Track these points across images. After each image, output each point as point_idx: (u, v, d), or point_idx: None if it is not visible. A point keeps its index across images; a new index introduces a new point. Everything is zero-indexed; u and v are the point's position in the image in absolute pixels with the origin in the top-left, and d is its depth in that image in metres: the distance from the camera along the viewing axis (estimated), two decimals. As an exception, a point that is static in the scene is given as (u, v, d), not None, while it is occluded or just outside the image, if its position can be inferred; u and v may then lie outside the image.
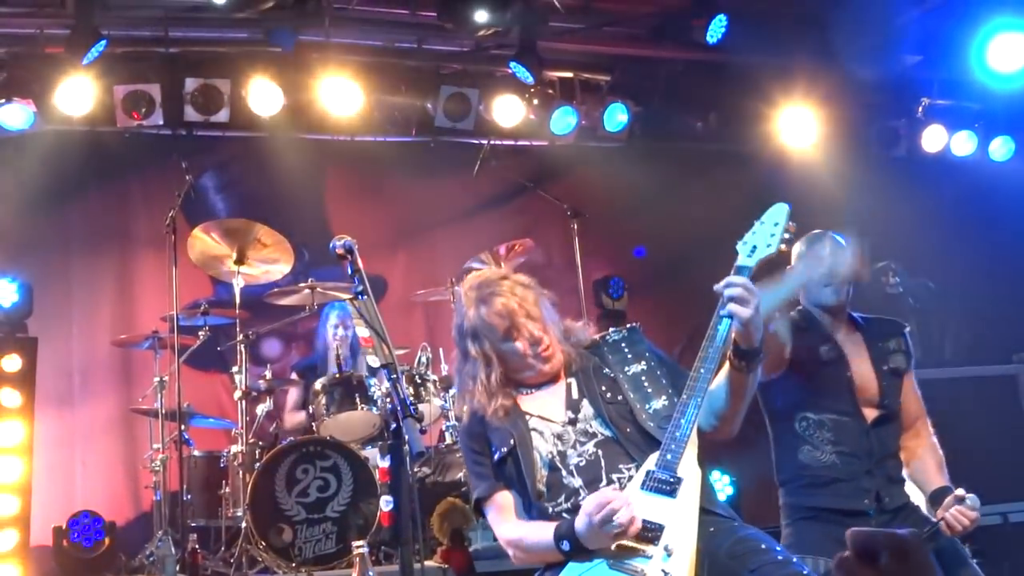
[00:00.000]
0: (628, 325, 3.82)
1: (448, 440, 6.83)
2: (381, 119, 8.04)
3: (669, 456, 3.27)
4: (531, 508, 3.50)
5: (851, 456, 4.41)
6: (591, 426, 3.53)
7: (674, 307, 8.48)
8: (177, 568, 5.82)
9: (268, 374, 6.82)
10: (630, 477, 3.35)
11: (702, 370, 3.31)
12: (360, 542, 3.09)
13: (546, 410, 3.60)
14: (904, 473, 4.63)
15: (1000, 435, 7.51)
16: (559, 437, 3.53)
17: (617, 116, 8.40)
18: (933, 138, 9.08)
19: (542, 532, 3.36)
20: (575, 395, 3.63)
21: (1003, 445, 7.49)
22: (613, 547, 3.18)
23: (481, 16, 6.94)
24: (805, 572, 3.12)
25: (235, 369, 6.63)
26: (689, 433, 3.27)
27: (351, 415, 6.31)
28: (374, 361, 3.23)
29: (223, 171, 8.19)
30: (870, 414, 4.51)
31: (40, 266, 7.32)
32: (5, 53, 7.12)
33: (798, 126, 8.75)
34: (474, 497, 3.65)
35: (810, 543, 4.30)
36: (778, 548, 3.24)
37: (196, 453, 6.69)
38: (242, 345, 6.61)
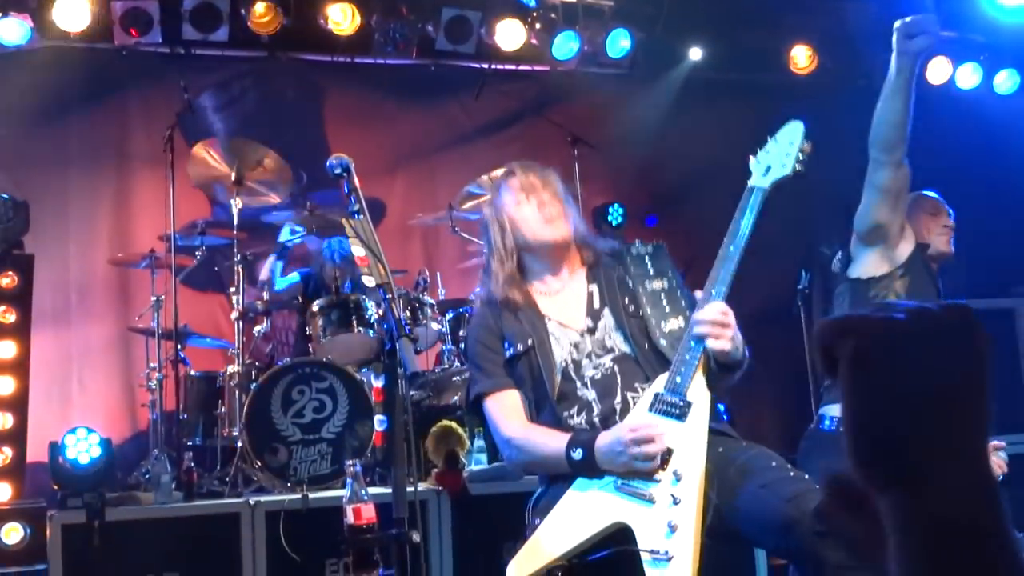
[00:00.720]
0: (655, 242, 3.76)
1: (445, 364, 6.84)
2: (381, 41, 7.95)
3: (679, 379, 3.23)
4: (541, 412, 3.48)
5: None
6: (610, 338, 3.50)
7: (674, 235, 8.39)
8: (173, 486, 5.85)
9: (265, 295, 6.81)
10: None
11: (713, 292, 3.27)
12: (353, 461, 3.09)
13: (565, 315, 3.57)
14: None
15: (996, 368, 7.52)
16: (575, 346, 3.50)
17: (620, 42, 8.31)
18: (937, 70, 9.00)
19: (553, 438, 3.34)
20: (596, 304, 3.59)
21: (998, 378, 7.51)
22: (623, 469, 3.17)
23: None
24: (817, 487, 3.07)
25: (232, 290, 6.63)
26: (699, 356, 3.23)
27: (348, 337, 6.31)
28: (369, 281, 3.18)
29: (222, 91, 8.11)
30: None
31: (37, 183, 7.26)
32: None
33: (803, 56, 8.67)
34: (476, 391, 3.60)
35: None
36: (789, 465, 3.24)
37: (193, 373, 6.69)
38: (239, 266, 6.59)
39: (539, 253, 3.64)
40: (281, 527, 5.26)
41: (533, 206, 3.60)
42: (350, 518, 3.05)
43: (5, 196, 6.91)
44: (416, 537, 2.93)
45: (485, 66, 8.26)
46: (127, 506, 5.64)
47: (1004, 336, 7.57)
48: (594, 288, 3.63)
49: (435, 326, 6.64)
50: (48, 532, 5.51)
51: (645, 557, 3.04)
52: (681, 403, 3.21)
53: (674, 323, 3.46)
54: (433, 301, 6.76)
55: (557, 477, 3.37)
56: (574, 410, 3.41)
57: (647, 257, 3.66)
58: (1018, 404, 7.50)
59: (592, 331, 3.52)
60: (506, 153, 7.89)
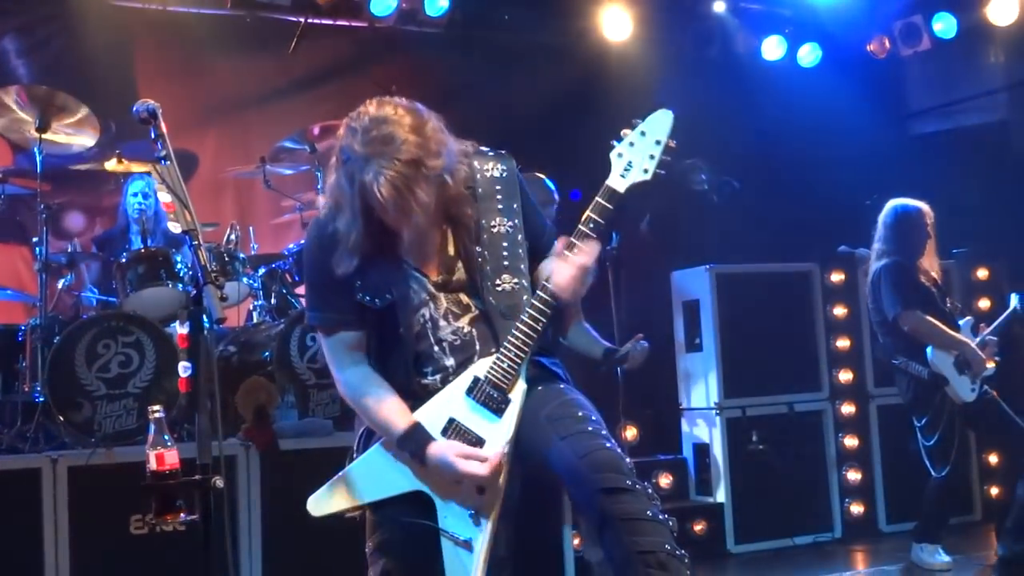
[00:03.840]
0: (502, 152, 3.38)
1: (255, 320, 6.77)
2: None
3: (502, 374, 3.14)
4: (389, 358, 3.28)
5: None
6: (464, 296, 3.27)
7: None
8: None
9: (70, 247, 6.61)
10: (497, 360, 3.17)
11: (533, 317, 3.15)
12: (156, 407, 3.04)
13: (420, 259, 3.26)
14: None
15: (792, 330, 7.85)
16: (432, 300, 3.25)
17: (439, 1, 8.31)
18: (744, 41, 9.28)
19: (393, 414, 3.20)
20: (451, 250, 3.28)
21: (794, 340, 7.84)
22: None
23: None
24: (608, 445, 3.09)
25: (35, 240, 6.40)
26: (533, 348, 3.16)
27: (156, 291, 6.17)
28: (175, 228, 3.12)
29: (27, 35, 7.80)
30: None
31: None
32: None
33: (615, 21, 8.80)
34: (311, 322, 3.39)
35: None
36: (594, 418, 3.19)
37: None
38: (43, 216, 6.36)
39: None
40: (83, 483, 5.16)
41: (406, 230, 3.15)
42: (152, 464, 3.00)
43: None
44: (219, 483, 2.90)
45: (302, 19, 8.14)
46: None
47: (801, 299, 7.89)
48: (448, 229, 3.28)
49: (246, 280, 6.56)
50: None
51: (446, 538, 3.10)
52: (500, 399, 3.15)
53: (508, 282, 3.24)
54: (245, 255, 6.68)
55: None
56: (429, 369, 3.26)
57: (498, 186, 3.30)
58: (811, 365, 7.86)
59: (447, 285, 3.26)
60: (321, 110, 7.83)
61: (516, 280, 3.24)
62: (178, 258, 6.24)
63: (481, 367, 3.18)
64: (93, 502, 5.17)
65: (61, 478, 5.14)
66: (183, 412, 5.61)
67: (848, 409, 7.90)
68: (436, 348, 3.24)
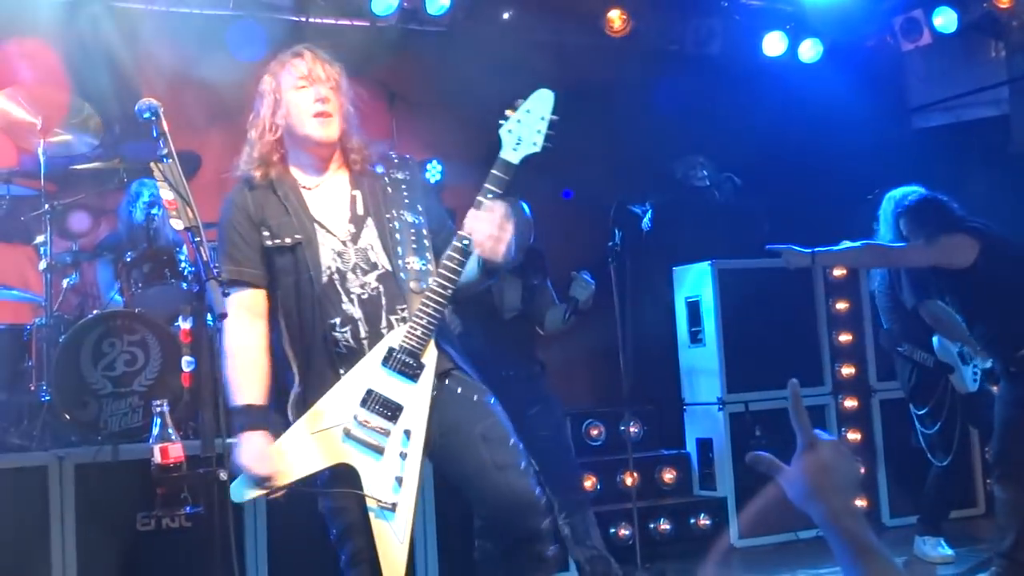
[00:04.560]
0: (407, 157, 3.74)
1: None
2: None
3: (415, 341, 3.34)
4: (303, 311, 3.47)
5: None
6: (373, 251, 3.49)
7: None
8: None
9: (75, 247, 6.65)
10: (403, 319, 3.39)
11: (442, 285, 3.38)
12: (160, 400, 3.09)
13: (329, 217, 3.52)
14: None
15: (794, 325, 7.89)
16: (340, 255, 3.48)
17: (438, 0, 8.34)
18: (746, 37, 9.29)
19: (246, 386, 3.40)
20: (360, 210, 3.55)
21: (796, 334, 7.88)
22: (352, 418, 3.30)
23: None
24: (512, 441, 3.42)
25: (40, 240, 6.43)
26: (440, 319, 3.38)
27: (162, 289, 6.21)
28: (178, 224, 3.17)
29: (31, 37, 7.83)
30: None
31: None
32: None
33: (618, 19, 8.82)
34: (222, 273, 3.46)
35: None
36: (520, 446, 3.46)
37: (-2, 326, 6.49)
38: (47, 216, 6.40)
39: (303, 145, 3.58)
40: (89, 480, 5.20)
41: (310, 96, 3.52)
42: (157, 457, 3.05)
43: None
44: (223, 475, 2.96)
45: (304, 19, 8.18)
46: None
47: (803, 292, 7.92)
48: (358, 194, 3.57)
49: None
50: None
51: (371, 504, 3.24)
52: (415, 364, 3.33)
53: (416, 263, 3.49)
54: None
55: (311, 383, 3.47)
56: (337, 321, 3.43)
57: (403, 185, 3.64)
58: (813, 360, 7.89)
59: (355, 239, 3.50)
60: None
61: (422, 263, 3.49)
62: (182, 256, 6.27)
63: (395, 337, 3.35)
64: (100, 500, 5.21)
65: (68, 476, 5.18)
66: (187, 409, 5.65)
67: (850, 403, 7.93)
68: (345, 299, 3.43)
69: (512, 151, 3.40)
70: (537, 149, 3.41)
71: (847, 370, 7.96)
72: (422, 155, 8.47)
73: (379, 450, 3.28)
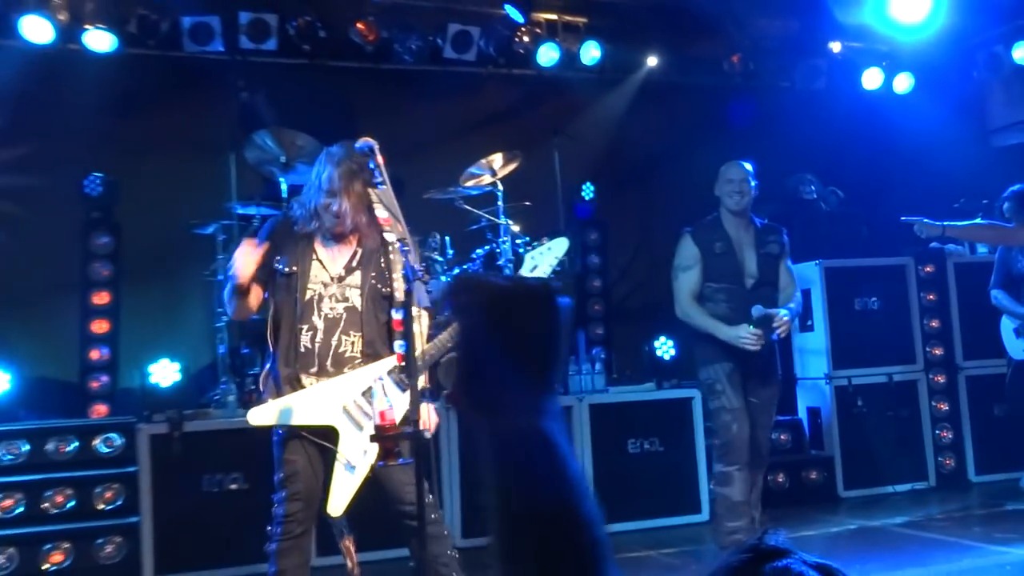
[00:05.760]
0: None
1: (450, 310, 6.94)
2: (399, 50, 8.00)
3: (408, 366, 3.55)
4: (283, 317, 3.80)
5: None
6: (349, 291, 3.81)
7: (634, 209, 8.67)
8: (237, 405, 5.97)
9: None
10: (352, 343, 3.76)
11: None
12: (378, 374, 3.20)
13: (328, 260, 3.84)
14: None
15: (890, 312, 7.69)
16: (325, 285, 3.81)
17: (591, 52, 8.37)
18: (847, 74, 9.09)
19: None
20: (355, 263, 3.85)
21: (892, 321, 7.67)
22: (352, 401, 3.67)
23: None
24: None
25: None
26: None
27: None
28: (391, 237, 3.30)
29: (273, 90, 8.12)
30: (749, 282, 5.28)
31: (126, 166, 7.30)
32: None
33: (732, 64, 8.79)
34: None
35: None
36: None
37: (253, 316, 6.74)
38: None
39: (325, 229, 3.85)
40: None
41: (343, 202, 3.75)
42: (377, 419, 3.17)
43: (100, 175, 7.02)
44: (428, 435, 3.06)
45: (483, 70, 8.32)
46: (201, 420, 5.78)
47: (898, 287, 7.75)
48: (359, 252, 3.86)
49: (444, 279, 6.73)
50: (138, 441, 5.67)
51: (341, 459, 3.61)
52: (406, 383, 3.48)
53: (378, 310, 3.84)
54: (442, 259, 6.86)
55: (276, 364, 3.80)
56: (305, 327, 3.76)
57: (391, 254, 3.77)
58: (907, 342, 7.69)
59: (340, 280, 3.81)
60: (500, 142, 7.95)
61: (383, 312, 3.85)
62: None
63: (384, 367, 3.75)
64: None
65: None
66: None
67: (939, 379, 7.68)
68: (315, 315, 3.76)
69: (529, 271, 3.76)
70: (544, 276, 3.75)
71: (936, 351, 7.71)
72: (579, 178, 8.53)
73: (360, 427, 3.63)
